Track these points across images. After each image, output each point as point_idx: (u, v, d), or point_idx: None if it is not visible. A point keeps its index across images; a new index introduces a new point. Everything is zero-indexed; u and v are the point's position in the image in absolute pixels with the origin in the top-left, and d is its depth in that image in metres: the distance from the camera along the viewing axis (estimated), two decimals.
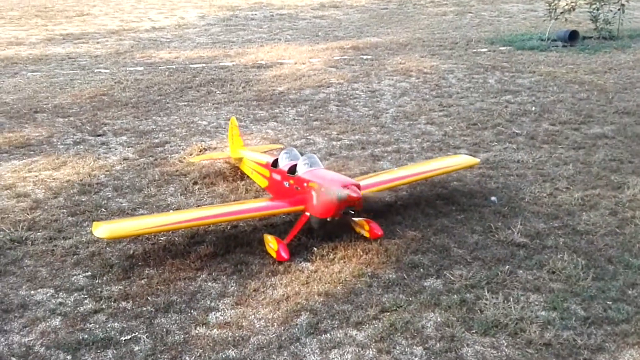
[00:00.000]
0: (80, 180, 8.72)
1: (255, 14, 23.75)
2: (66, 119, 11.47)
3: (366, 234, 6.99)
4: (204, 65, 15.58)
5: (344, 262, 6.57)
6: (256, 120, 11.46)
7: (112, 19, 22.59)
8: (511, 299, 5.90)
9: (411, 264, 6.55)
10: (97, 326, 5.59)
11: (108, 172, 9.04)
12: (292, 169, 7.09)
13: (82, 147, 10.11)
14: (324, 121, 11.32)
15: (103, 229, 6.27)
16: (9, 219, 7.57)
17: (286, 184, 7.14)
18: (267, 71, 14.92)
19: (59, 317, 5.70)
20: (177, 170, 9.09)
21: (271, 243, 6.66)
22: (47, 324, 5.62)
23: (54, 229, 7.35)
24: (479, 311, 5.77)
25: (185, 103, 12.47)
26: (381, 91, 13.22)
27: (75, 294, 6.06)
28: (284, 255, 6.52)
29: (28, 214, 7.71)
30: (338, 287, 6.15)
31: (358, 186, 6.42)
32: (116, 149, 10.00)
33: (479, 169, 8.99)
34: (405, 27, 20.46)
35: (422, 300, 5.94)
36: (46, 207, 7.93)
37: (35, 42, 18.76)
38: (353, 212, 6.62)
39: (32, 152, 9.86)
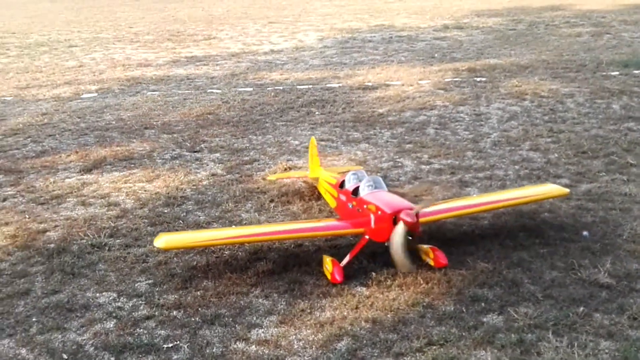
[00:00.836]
0: (167, 193, 9.31)
1: (374, 36, 24.03)
2: (170, 136, 12.31)
3: (431, 262, 6.80)
4: (310, 86, 16.02)
5: (401, 290, 6.43)
6: (348, 141, 11.59)
7: (235, 42, 23.93)
8: (576, 344, 5.46)
9: (473, 298, 6.28)
10: (145, 332, 5.92)
11: (195, 187, 9.57)
12: (355, 191, 7.10)
13: (177, 162, 10.80)
14: (417, 144, 11.20)
15: (162, 240, 6.66)
16: (95, 226, 8.26)
17: (350, 205, 7.17)
18: (372, 93, 15.05)
19: (114, 320, 6.12)
20: (258, 188, 9.42)
21: (327, 264, 6.69)
22: (102, 325, 6.05)
23: (132, 237, 7.91)
24: (535, 354, 5.40)
25: (283, 123, 12.90)
26: (487, 115, 12.84)
27: (134, 300, 6.48)
28: (338, 277, 6.52)
29: (113, 222, 8.36)
30: (388, 315, 6.04)
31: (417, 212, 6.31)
32: (207, 165, 10.56)
33: (577, 201, 8.45)
34: (531, 49, 19.70)
35: (475, 336, 5.67)
36: (131, 217, 8.55)
37: (161, 64, 20.33)
38: (411, 238, 6.48)
39: (132, 165, 10.69)
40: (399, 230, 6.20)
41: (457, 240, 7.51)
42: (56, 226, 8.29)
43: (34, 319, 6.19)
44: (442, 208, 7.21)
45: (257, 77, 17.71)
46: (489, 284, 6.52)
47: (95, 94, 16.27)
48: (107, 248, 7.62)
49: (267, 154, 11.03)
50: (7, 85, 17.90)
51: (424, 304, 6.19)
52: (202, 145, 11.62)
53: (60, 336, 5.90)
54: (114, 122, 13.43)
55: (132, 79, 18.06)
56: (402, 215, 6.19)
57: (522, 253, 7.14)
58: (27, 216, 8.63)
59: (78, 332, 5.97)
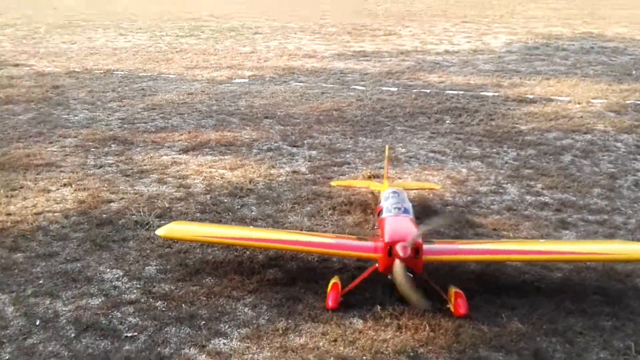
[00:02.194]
0: (239, 184, 9.47)
1: (572, 45, 22.12)
2: (283, 127, 12.50)
3: (452, 309, 6.06)
4: (461, 92, 15.25)
5: (398, 332, 5.84)
6: (461, 157, 10.79)
7: (413, 40, 23.58)
8: None
9: None
10: (119, 316, 6.09)
11: (269, 181, 9.62)
12: (381, 212, 6.60)
13: (270, 154, 10.93)
14: (539, 171, 10.07)
15: (166, 228, 6.78)
16: (153, 204, 8.68)
17: (376, 226, 6.68)
18: (525, 107, 13.90)
19: (102, 298, 6.38)
20: (329, 192, 9.18)
21: (329, 287, 6.30)
22: (88, 301, 6.34)
23: (174, 221, 8.18)
24: None
25: (404, 128, 12.41)
26: None
27: (133, 282, 6.69)
28: (330, 303, 6.12)
29: (170, 203, 8.72)
30: (364, 357, 5.52)
31: (416, 246, 5.70)
32: (297, 162, 10.55)
33: None
34: None
35: None
36: (190, 201, 8.85)
37: (326, 56, 20.76)
38: (412, 275, 5.80)
39: (227, 151, 11.06)
40: (397, 265, 5.64)
41: (506, 288, 6.60)
42: (122, 199, 8.88)
43: (40, 282, 6.70)
44: (460, 248, 6.42)
45: (411, 77, 17.28)
46: (507, 350, 5.62)
47: (246, 80, 17.13)
48: (147, 227, 7.96)
49: (364, 158, 10.70)
50: (179, 64, 19.58)
51: (412, 354, 5.54)
52: (306, 141, 11.62)
53: (47, 302, 6.31)
54: (242, 109, 14.01)
55: (288, 68, 18.69)
56: (396, 247, 5.61)
57: (576, 320, 6.05)
58: (105, 185, 9.37)
59: (65, 302, 6.32)
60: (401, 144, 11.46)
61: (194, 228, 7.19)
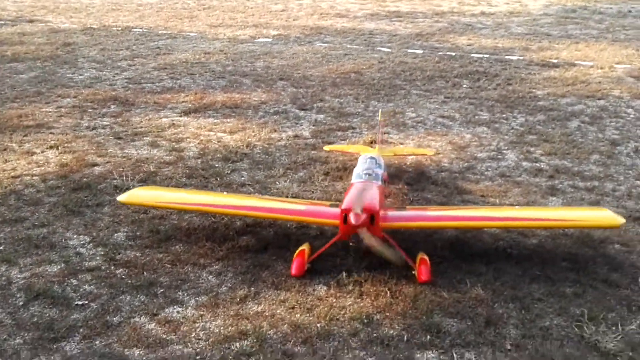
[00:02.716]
0: (235, 147, 9.14)
1: (610, 8, 21.05)
2: (296, 90, 12.09)
3: (416, 275, 5.74)
4: (486, 56, 14.61)
5: (359, 299, 5.56)
6: (468, 122, 10.27)
7: (451, 0, 22.68)
8: None
9: (429, 327, 5.18)
10: (75, 283, 5.84)
11: (267, 145, 9.26)
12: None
13: (276, 117, 10.56)
14: (543, 136, 9.59)
15: (129, 194, 6.57)
16: (139, 168, 8.41)
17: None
18: (547, 71, 13.32)
19: (61, 265, 6.14)
20: (326, 157, 8.78)
21: (296, 254, 5.97)
22: (46, 268, 6.10)
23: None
24: None
25: (420, 92, 11.87)
26: None
27: (99, 249, 6.44)
28: (293, 270, 5.84)
29: (157, 168, 8.45)
30: (318, 325, 5.22)
31: (369, 214, 5.43)
32: (300, 126, 10.14)
33: None
34: None
35: None
36: (179, 165, 8.56)
37: (358, 16, 20.14)
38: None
39: (231, 114, 10.74)
40: (361, 231, 5.32)
41: (479, 255, 6.24)
42: (108, 162, 8.65)
43: (0, 248, 6.55)
44: (429, 215, 6.22)
45: (441, 39, 16.58)
46: (462, 316, 5.33)
47: (269, 40, 16.73)
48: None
49: (371, 122, 10.22)
50: (203, 22, 19.27)
51: (366, 320, 5.26)
52: (316, 105, 11.19)
53: (3, 269, 6.12)
54: (258, 70, 13.65)
55: (316, 28, 18.20)
56: (349, 215, 5.38)
57: (538, 287, 5.73)
58: (93, 148, 9.16)
59: (22, 269, 6.10)
60: (412, 109, 10.93)
61: (160, 194, 6.87)
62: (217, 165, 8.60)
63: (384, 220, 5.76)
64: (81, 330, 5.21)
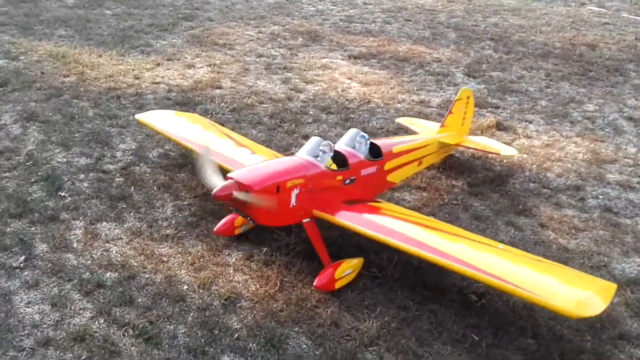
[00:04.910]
0: (349, 98, 8.84)
1: None
2: (494, 54, 10.94)
3: None
4: None
5: (246, 276, 5.29)
6: None
7: None
8: None
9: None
10: None
11: (383, 104, 8.74)
12: None
13: (432, 78, 9.79)
14: None
15: (147, 114, 6.97)
16: (243, 100, 8.69)
17: None
18: None
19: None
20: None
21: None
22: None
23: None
24: None
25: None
26: None
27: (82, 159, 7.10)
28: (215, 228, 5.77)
29: (257, 102, 8.62)
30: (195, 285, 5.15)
31: (243, 189, 4.84)
32: (444, 93, 9.26)
33: None
34: None
35: None
36: (278, 106, 8.59)
37: None
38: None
39: (392, 66, 10.24)
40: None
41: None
42: (231, 88, 9.08)
43: None
44: (361, 218, 5.21)
45: None
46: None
47: None
48: (210, 116, 8.02)
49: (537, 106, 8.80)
50: None
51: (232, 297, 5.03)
52: (488, 74, 10.00)
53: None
54: (481, 25, 12.59)
55: None
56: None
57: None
58: (242, 72, 9.72)
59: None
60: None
61: (172, 123, 6.83)
62: (311, 112, 8.45)
63: (311, 205, 5.16)
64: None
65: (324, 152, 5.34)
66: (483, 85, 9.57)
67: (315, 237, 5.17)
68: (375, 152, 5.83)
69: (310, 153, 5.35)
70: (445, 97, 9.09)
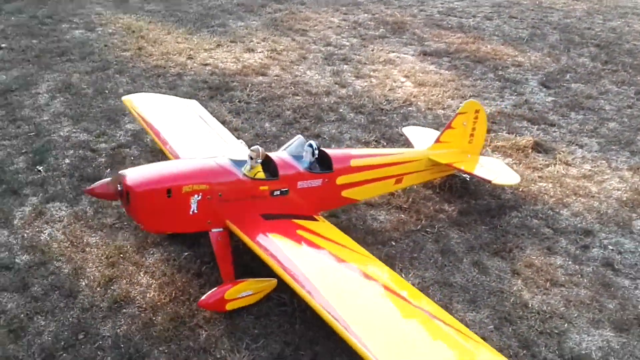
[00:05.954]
0: (386, 99, 8.19)
1: None
2: (568, 63, 9.62)
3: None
4: None
5: (155, 276, 5.03)
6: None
7: None
8: None
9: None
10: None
11: (423, 109, 7.99)
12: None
13: (488, 85, 8.79)
14: None
15: (134, 96, 6.69)
16: (278, 90, 8.41)
17: None
18: None
19: None
20: None
21: None
22: None
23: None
24: None
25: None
26: None
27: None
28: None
29: (287, 94, 8.29)
30: (96, 271, 5.07)
31: (125, 190, 4.51)
32: (503, 102, 8.26)
33: None
34: None
35: None
36: (310, 99, 8.18)
37: None
38: None
39: (461, 66, 9.37)
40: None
41: None
42: (276, 76, 8.84)
43: None
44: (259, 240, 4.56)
45: None
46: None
47: None
48: (237, 101, 7.95)
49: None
50: None
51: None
52: (558, 84, 8.81)
53: None
54: (583, 26, 11.15)
55: None
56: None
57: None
58: (288, 61, 9.40)
59: None
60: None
61: (153, 109, 6.42)
62: (341, 110, 7.95)
63: (223, 215, 4.75)
64: None
65: (251, 158, 4.89)
66: (551, 98, 8.43)
67: (220, 250, 4.75)
68: (327, 164, 5.28)
69: (236, 157, 4.95)
70: (499, 108, 8.13)
